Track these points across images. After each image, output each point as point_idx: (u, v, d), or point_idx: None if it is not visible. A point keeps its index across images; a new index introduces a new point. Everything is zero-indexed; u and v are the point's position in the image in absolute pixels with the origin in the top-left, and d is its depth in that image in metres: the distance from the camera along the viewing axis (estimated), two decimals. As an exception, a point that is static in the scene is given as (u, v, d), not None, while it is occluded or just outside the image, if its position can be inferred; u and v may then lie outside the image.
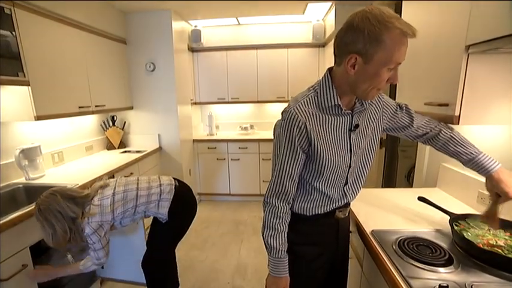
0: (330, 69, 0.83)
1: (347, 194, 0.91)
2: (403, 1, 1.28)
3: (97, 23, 2.30)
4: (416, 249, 0.88)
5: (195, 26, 3.23)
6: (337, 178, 0.87)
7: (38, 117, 1.73)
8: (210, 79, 3.54)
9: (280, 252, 0.84)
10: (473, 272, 0.78)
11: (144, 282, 1.74)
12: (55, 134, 2.20)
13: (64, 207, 1.20)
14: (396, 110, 0.95)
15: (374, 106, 0.91)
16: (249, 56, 3.40)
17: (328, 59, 3.16)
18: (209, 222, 3.03)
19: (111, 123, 2.79)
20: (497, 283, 0.73)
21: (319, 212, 0.89)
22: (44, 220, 1.18)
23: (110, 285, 1.99)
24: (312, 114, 0.80)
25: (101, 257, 1.29)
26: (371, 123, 0.90)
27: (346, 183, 0.90)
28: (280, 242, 0.84)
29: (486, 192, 0.92)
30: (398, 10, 1.37)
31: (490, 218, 0.89)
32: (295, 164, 0.81)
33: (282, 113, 0.83)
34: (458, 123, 0.92)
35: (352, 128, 0.85)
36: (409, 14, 1.23)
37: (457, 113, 0.91)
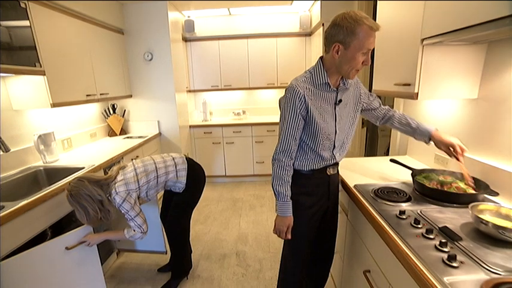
0: (321, 57, 1.10)
1: (335, 155, 1.19)
2: (377, 0, 1.53)
3: (97, 14, 2.40)
4: (386, 194, 1.18)
5: (188, 17, 3.35)
6: (327, 142, 1.13)
7: (54, 105, 1.88)
8: (203, 68, 3.69)
9: (286, 197, 1.11)
10: (423, 204, 1.09)
11: (156, 250, 1.97)
12: (62, 122, 2.33)
13: (92, 191, 1.37)
14: (369, 96, 1.30)
15: (353, 88, 1.19)
16: (240, 45, 3.58)
17: (314, 47, 3.39)
18: (208, 201, 3.28)
19: (111, 111, 2.92)
20: (437, 209, 1.05)
21: (314, 168, 1.16)
22: (77, 204, 1.36)
23: (126, 255, 2.22)
24: (308, 89, 1.07)
25: (141, 223, 1.48)
26: (351, 101, 1.19)
27: (334, 147, 1.17)
28: (286, 189, 1.11)
29: (441, 154, 1.23)
30: (372, 8, 1.61)
31: (466, 179, 1.14)
32: (296, 127, 1.08)
33: (285, 90, 1.09)
34: (417, 99, 1.21)
35: (337, 102, 1.12)
36: (382, 12, 1.48)
37: (416, 91, 1.20)
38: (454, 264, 0.73)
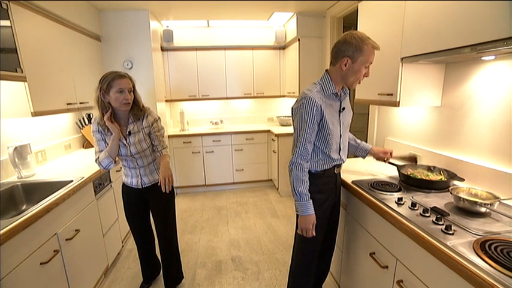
0: (327, 70, 1.27)
1: (341, 156, 1.36)
2: (357, 23, 1.81)
3: (74, 17, 2.27)
4: (381, 186, 1.40)
5: (167, 26, 3.34)
6: (335, 145, 1.30)
7: (35, 114, 1.74)
8: (181, 77, 3.68)
9: (307, 196, 1.23)
10: (412, 192, 1.33)
11: None
12: (35, 132, 2.14)
13: (105, 101, 1.60)
14: None
15: (347, 98, 1.38)
16: (218, 56, 3.68)
17: (288, 59, 3.67)
18: (192, 210, 3.23)
19: (87, 122, 2.74)
20: (423, 195, 1.29)
21: (325, 168, 1.32)
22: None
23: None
24: (321, 98, 1.22)
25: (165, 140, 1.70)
26: (347, 109, 1.38)
27: (340, 149, 1.34)
28: (307, 189, 1.23)
29: (415, 153, 1.51)
30: (342, 26, 1.89)
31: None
32: (313, 132, 1.22)
33: (300, 100, 1.22)
34: (398, 106, 1.47)
35: (341, 110, 1.31)
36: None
37: (398, 99, 1.46)
38: (450, 232, 0.95)
